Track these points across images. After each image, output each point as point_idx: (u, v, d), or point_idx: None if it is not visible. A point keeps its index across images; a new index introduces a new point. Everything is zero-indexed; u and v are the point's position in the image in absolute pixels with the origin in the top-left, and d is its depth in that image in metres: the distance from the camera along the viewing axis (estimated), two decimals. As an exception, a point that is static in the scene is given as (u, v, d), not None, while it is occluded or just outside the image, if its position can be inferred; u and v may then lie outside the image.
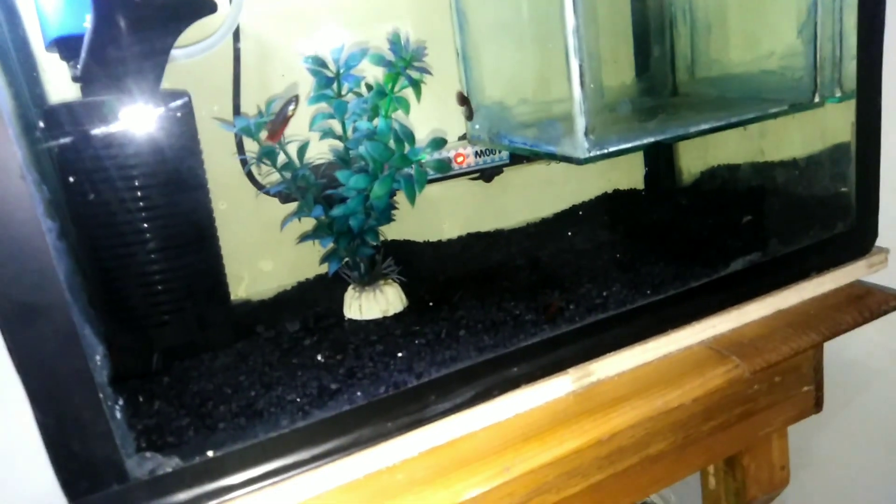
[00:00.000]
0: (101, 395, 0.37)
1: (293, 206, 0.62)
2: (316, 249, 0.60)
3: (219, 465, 0.42)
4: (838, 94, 0.63)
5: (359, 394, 0.46)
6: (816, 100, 0.63)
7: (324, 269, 0.59)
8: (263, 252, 0.69)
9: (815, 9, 0.61)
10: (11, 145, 0.33)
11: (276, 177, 0.57)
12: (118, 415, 0.38)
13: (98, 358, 0.37)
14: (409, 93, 0.54)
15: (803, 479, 0.94)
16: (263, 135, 0.53)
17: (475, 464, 0.45)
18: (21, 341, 0.35)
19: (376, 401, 0.46)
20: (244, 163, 0.59)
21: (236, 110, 0.61)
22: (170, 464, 0.40)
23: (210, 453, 0.42)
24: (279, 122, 0.53)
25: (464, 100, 0.65)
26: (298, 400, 0.47)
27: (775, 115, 0.63)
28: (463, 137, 0.73)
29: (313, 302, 0.64)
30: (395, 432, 0.45)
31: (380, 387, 0.47)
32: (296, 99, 0.51)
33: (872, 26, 0.58)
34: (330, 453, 0.44)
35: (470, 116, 0.68)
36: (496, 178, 0.75)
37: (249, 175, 0.64)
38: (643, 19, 0.77)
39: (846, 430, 0.86)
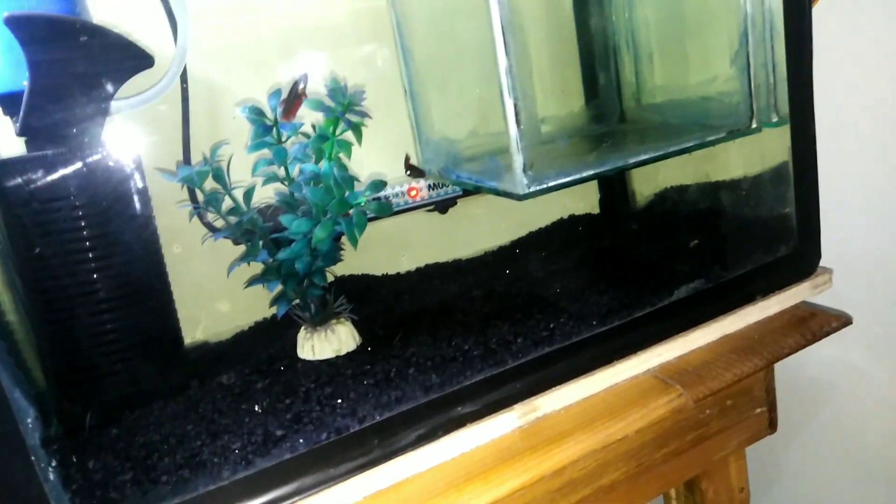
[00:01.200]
0: (32, 458, 0.37)
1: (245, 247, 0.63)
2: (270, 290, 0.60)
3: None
4: (774, 119, 0.64)
5: (302, 440, 0.47)
6: (754, 125, 0.65)
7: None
8: (219, 294, 0.69)
9: (745, 38, 0.63)
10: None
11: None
12: (51, 476, 0.39)
13: (29, 420, 0.38)
14: (351, 135, 0.55)
15: (772, 495, 0.95)
16: (280, 112, 0.52)
17: (418, 506, 0.45)
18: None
19: (320, 447, 0.46)
20: (195, 209, 0.60)
21: (186, 158, 0.62)
22: (108, 522, 0.40)
23: (151, 508, 0.42)
24: (291, 100, 0.54)
25: (410, 167, 0.67)
26: (243, 449, 0.47)
27: (714, 143, 0.64)
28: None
29: (268, 343, 0.64)
30: (339, 478, 0.46)
31: (324, 432, 0.47)
32: (305, 78, 0.52)
33: (800, 53, 0.60)
34: (272, 503, 0.44)
35: (417, 177, 0.70)
36: (451, 210, 0.76)
37: (201, 218, 0.64)
38: (589, 48, 0.79)
39: (809, 445, 0.87)
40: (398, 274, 0.76)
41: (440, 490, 0.46)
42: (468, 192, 0.73)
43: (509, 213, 0.80)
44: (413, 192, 0.72)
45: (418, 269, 0.76)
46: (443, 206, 0.75)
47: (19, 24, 0.46)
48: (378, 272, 0.75)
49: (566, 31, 0.79)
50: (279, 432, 0.48)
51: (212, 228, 0.65)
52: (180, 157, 0.63)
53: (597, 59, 0.78)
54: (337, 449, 0.46)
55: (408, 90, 0.70)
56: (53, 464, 0.39)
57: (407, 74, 0.70)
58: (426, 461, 0.48)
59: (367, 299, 0.70)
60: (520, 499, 0.51)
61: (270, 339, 0.65)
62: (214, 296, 0.69)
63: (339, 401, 0.50)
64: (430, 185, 0.72)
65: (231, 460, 0.46)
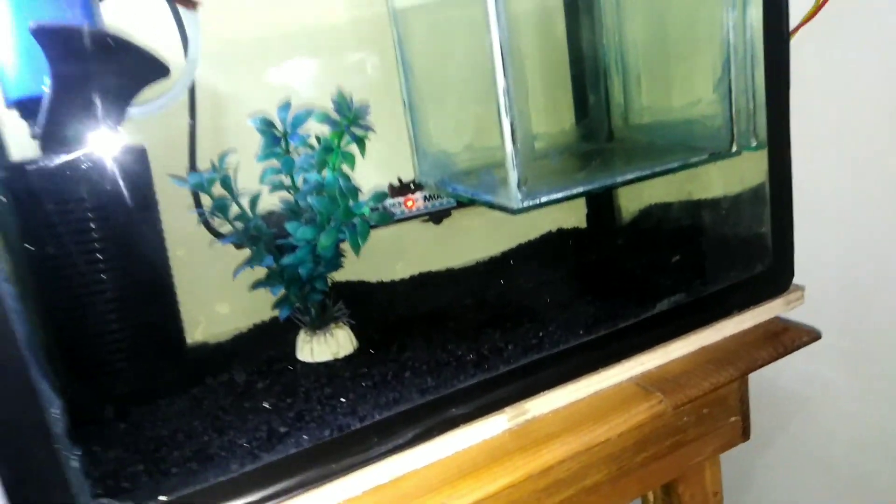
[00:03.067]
0: (57, 447, 0.40)
1: (248, 251, 0.65)
2: (270, 293, 0.63)
3: (170, 509, 0.44)
4: (754, 144, 0.68)
5: (305, 437, 0.49)
6: (734, 149, 0.68)
7: (277, 312, 0.62)
8: (220, 296, 0.71)
9: (728, 65, 0.67)
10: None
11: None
12: (74, 464, 0.41)
13: (55, 411, 0.40)
14: (355, 147, 0.58)
15: (745, 501, 0.99)
16: None
17: (414, 501, 0.48)
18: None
19: (322, 443, 0.49)
20: (201, 215, 0.62)
21: (192, 164, 0.64)
22: (122, 510, 0.43)
23: (162, 498, 0.44)
24: None
25: (394, 190, 0.70)
26: (248, 444, 0.50)
27: (696, 165, 0.68)
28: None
29: (268, 345, 0.67)
30: (340, 473, 0.48)
31: (325, 430, 0.50)
32: None
33: (778, 81, 0.64)
34: (276, 495, 0.47)
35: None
36: (445, 221, 0.79)
37: (206, 224, 0.66)
38: (581, 69, 0.83)
39: (781, 453, 0.91)
40: (393, 281, 0.79)
41: (435, 486, 0.49)
42: (462, 203, 0.77)
43: (501, 224, 0.84)
44: (409, 203, 0.75)
45: (412, 277, 0.79)
46: (437, 217, 0.78)
47: (45, 34, 0.48)
48: (373, 279, 0.78)
49: (559, 52, 0.83)
50: (282, 429, 0.51)
51: (216, 234, 0.68)
52: (185, 163, 0.66)
53: (587, 79, 0.82)
54: (337, 446, 0.48)
55: (407, 103, 0.73)
56: (76, 452, 0.41)
57: (406, 88, 0.73)
58: (422, 459, 0.51)
59: (362, 305, 0.73)
60: (508, 496, 0.54)
61: (269, 341, 0.68)
62: (215, 298, 0.71)
63: (340, 400, 0.53)
64: (425, 196, 0.75)
65: (238, 455, 0.48)
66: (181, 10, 0.60)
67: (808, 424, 0.87)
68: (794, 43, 0.70)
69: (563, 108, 0.84)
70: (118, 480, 0.46)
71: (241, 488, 0.46)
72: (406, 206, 0.74)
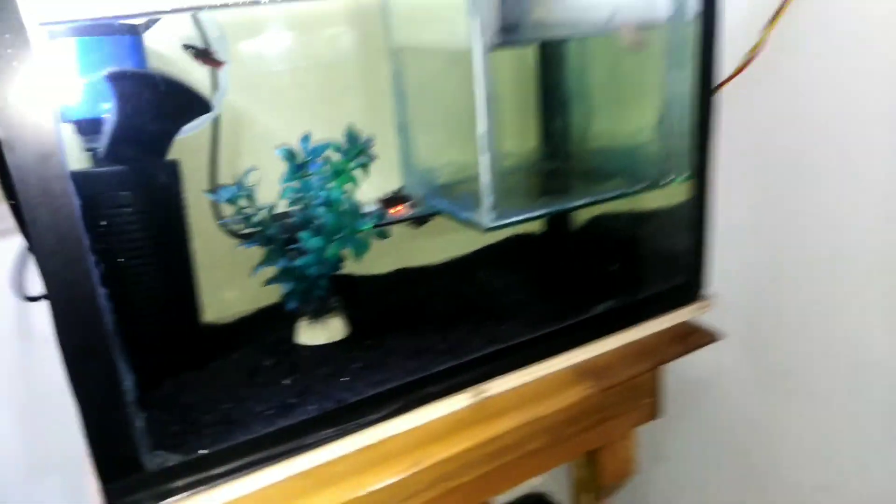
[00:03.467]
0: (129, 411, 0.52)
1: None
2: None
3: (208, 460, 0.57)
4: (685, 175, 0.83)
5: (311, 407, 0.63)
6: (669, 179, 0.83)
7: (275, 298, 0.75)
8: (229, 284, 0.83)
9: (667, 111, 0.81)
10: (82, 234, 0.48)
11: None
12: (139, 424, 0.54)
13: (128, 384, 0.52)
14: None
15: (662, 470, 1.17)
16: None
17: (395, 459, 0.62)
18: (79, 375, 0.49)
19: (323, 413, 0.62)
20: (224, 225, 0.74)
21: (212, 177, 0.76)
22: (173, 459, 0.56)
23: (202, 451, 0.57)
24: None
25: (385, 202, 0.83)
26: (265, 412, 0.63)
27: (637, 193, 0.83)
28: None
29: (269, 328, 0.80)
30: (336, 437, 0.62)
31: (326, 402, 0.64)
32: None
33: (705, 126, 0.77)
34: (288, 451, 0.60)
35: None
36: (424, 225, 0.92)
37: (229, 229, 0.78)
38: (548, 99, 0.96)
39: (690, 431, 1.09)
40: (376, 275, 0.92)
41: (410, 448, 0.64)
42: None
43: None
44: (395, 210, 0.88)
45: (393, 272, 0.92)
46: (419, 221, 0.91)
47: (113, 78, 0.59)
48: (360, 273, 0.91)
49: (529, 82, 0.96)
50: (292, 400, 0.64)
51: (238, 237, 0.79)
52: (205, 173, 0.77)
53: (553, 107, 0.95)
54: (337, 414, 0.62)
55: (399, 127, 0.86)
56: (141, 416, 0.54)
57: (398, 113, 0.85)
58: (401, 426, 0.65)
59: (350, 295, 0.86)
60: (466, 457, 0.69)
61: (269, 325, 0.81)
62: (224, 286, 0.83)
63: (339, 377, 0.67)
64: (410, 204, 0.88)
65: (257, 419, 0.62)
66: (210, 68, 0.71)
67: (714, 407, 1.05)
68: (721, 95, 0.85)
69: (531, 131, 0.97)
70: (164, 438, 0.59)
71: (259, 446, 0.60)
72: (391, 212, 0.87)
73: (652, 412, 0.84)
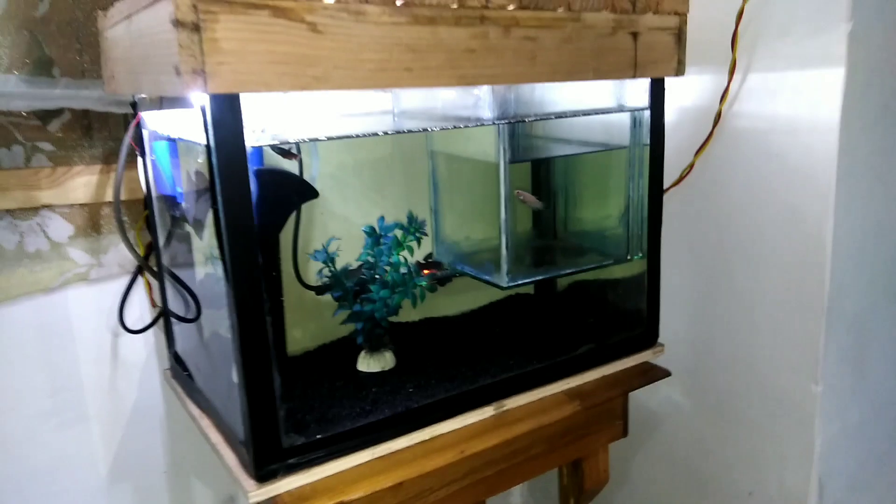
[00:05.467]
0: (276, 404, 0.76)
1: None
2: (336, 323, 1.00)
3: (321, 443, 0.81)
4: (640, 255, 1.13)
5: (386, 410, 0.87)
6: (629, 257, 1.13)
7: (338, 334, 1.00)
8: (294, 325, 1.08)
9: (628, 207, 1.11)
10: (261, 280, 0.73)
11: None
12: (281, 413, 0.77)
13: (277, 384, 0.76)
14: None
15: (624, 487, 1.42)
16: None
17: (444, 449, 0.87)
18: (251, 376, 0.73)
19: (391, 416, 0.87)
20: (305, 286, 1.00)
21: (294, 244, 1.02)
22: (300, 439, 0.79)
23: (317, 436, 0.81)
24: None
25: (421, 265, 1.10)
26: (350, 414, 0.87)
27: (606, 266, 1.12)
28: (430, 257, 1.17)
29: (331, 359, 1.04)
30: (403, 433, 0.86)
31: (396, 409, 0.88)
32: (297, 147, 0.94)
33: (655, 217, 1.08)
34: (372, 441, 0.84)
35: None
36: (448, 284, 1.19)
37: (301, 281, 1.03)
38: (540, 190, 1.26)
39: (648, 454, 1.36)
40: (408, 322, 1.17)
41: (455, 442, 0.88)
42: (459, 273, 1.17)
43: (480, 287, 1.25)
44: (426, 272, 1.14)
45: (422, 320, 1.18)
46: (442, 281, 1.18)
47: (260, 175, 0.85)
48: (395, 320, 1.16)
49: (527, 179, 1.26)
50: (367, 407, 0.89)
51: (309, 288, 1.04)
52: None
53: (543, 197, 1.26)
54: (403, 418, 0.87)
55: (432, 208, 1.14)
56: (284, 407, 0.77)
57: (433, 197, 1.13)
58: (448, 427, 0.90)
59: (393, 338, 1.11)
60: (492, 453, 0.93)
61: (329, 357, 1.05)
62: (296, 324, 1.08)
63: (397, 394, 0.92)
64: (439, 267, 1.15)
65: (347, 418, 0.86)
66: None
67: (667, 430, 1.32)
68: (666, 197, 1.16)
69: (526, 215, 1.27)
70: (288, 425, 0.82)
71: (352, 436, 0.84)
72: (423, 273, 1.14)
73: (622, 431, 1.10)
